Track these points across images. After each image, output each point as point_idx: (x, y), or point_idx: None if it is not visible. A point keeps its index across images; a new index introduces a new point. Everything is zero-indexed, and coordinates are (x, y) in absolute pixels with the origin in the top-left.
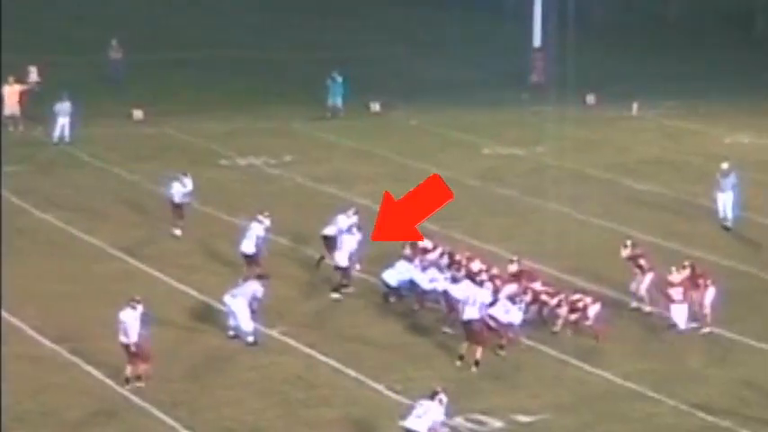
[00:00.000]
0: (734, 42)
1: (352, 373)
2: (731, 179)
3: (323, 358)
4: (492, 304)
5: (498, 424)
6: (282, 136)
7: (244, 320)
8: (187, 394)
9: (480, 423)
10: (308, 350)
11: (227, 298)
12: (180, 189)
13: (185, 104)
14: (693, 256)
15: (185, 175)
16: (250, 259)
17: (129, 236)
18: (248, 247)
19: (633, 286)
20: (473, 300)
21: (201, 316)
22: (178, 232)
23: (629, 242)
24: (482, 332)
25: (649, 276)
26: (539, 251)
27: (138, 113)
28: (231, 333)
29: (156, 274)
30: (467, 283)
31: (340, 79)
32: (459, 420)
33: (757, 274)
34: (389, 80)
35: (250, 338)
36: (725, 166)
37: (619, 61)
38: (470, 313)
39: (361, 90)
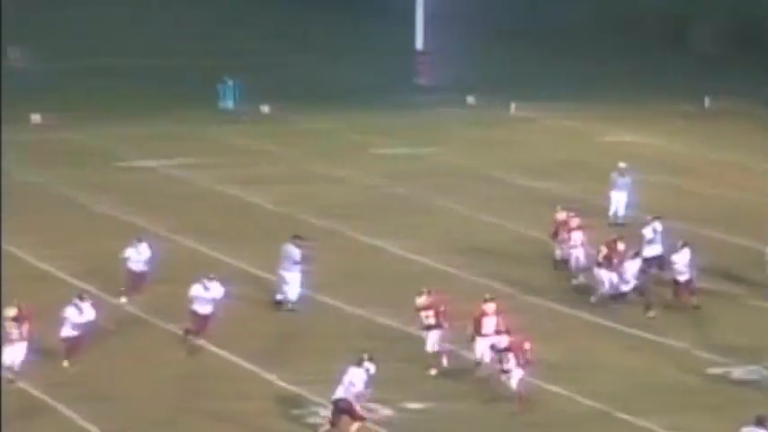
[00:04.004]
0: (618, 46)
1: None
2: (627, 179)
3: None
4: None
5: (388, 412)
6: (182, 140)
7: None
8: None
9: (370, 411)
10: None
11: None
12: (135, 256)
13: (83, 110)
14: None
15: (140, 241)
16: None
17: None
18: (204, 308)
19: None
20: None
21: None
22: (123, 300)
23: (559, 207)
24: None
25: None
26: (432, 248)
27: (35, 117)
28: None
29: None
30: None
31: (231, 82)
32: None
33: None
34: (281, 84)
35: None
36: (622, 165)
37: (499, 63)
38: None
39: (254, 94)
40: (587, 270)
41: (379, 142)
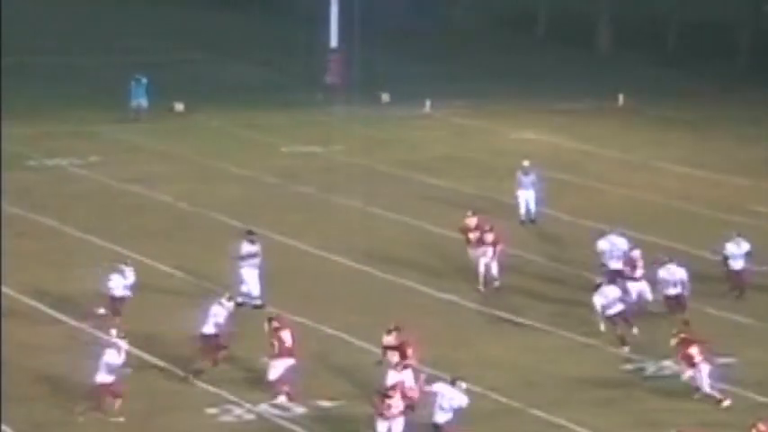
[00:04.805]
0: (515, 45)
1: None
2: (531, 177)
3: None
4: None
5: (300, 410)
6: (88, 138)
7: None
8: None
9: (284, 409)
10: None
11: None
12: (120, 281)
13: None
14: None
15: (126, 264)
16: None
17: None
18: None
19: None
20: None
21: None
22: (113, 332)
23: (470, 212)
24: None
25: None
26: (334, 245)
27: None
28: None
29: None
30: None
31: (144, 81)
32: (263, 407)
33: (545, 263)
34: (189, 83)
35: None
36: (526, 163)
37: (410, 62)
38: None
39: (162, 93)
40: (494, 280)
41: (283, 141)
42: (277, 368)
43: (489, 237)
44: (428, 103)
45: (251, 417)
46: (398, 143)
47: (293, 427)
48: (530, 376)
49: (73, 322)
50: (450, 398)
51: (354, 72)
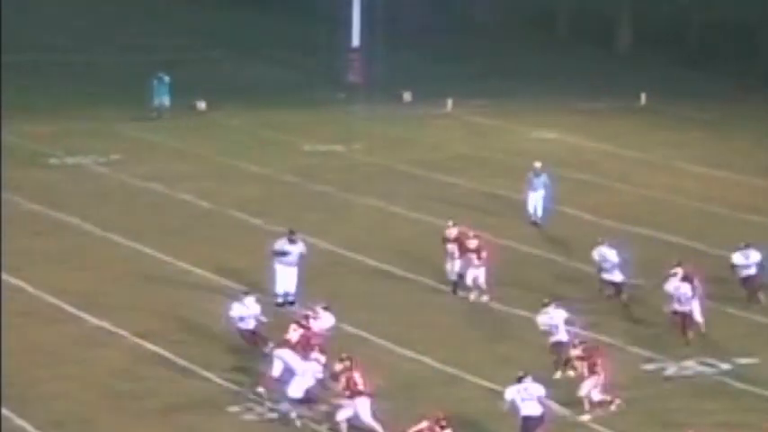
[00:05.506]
0: (537, 44)
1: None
2: (543, 178)
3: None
4: None
5: (324, 408)
6: (109, 136)
7: None
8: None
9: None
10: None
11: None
12: (243, 311)
13: (11, 107)
14: (506, 246)
15: (246, 294)
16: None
17: None
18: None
19: (449, 267)
20: None
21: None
22: (270, 346)
23: (451, 222)
24: None
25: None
26: (354, 245)
27: None
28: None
29: None
30: None
31: (167, 79)
32: (285, 405)
33: (564, 262)
34: (210, 82)
35: None
36: (537, 165)
37: (432, 61)
38: None
39: (183, 91)
40: (482, 294)
41: (303, 140)
42: (347, 409)
43: (473, 243)
44: (450, 102)
45: (273, 415)
46: (418, 142)
47: (315, 426)
48: (549, 375)
49: (93, 320)
50: (525, 389)
51: (376, 71)
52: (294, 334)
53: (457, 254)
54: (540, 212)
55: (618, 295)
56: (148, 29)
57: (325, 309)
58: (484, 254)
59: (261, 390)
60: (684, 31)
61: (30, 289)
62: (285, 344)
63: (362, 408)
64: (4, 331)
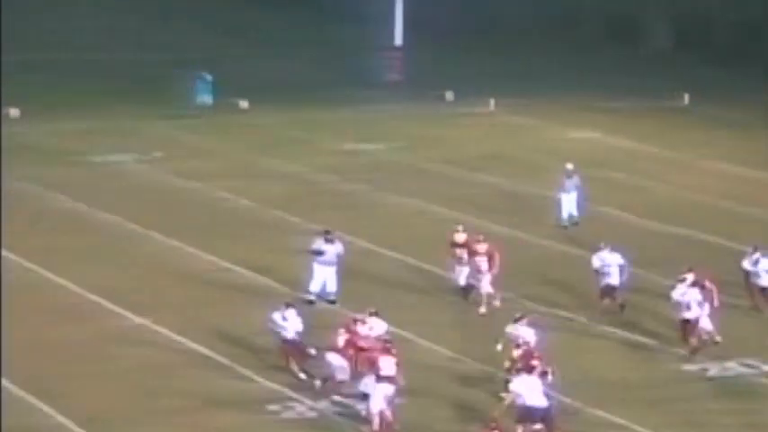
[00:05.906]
0: (576, 43)
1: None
2: (575, 179)
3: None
4: None
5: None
6: (151, 134)
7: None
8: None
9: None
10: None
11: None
12: (282, 323)
13: (42, 105)
14: (540, 244)
15: (288, 306)
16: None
17: None
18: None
19: (456, 272)
20: None
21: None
22: (318, 383)
23: (460, 227)
24: None
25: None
26: (386, 243)
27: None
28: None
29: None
30: None
31: (209, 78)
32: (325, 404)
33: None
34: (246, 80)
35: None
36: (570, 166)
37: (475, 61)
38: None
39: (223, 90)
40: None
41: (341, 138)
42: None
43: (482, 247)
44: (492, 101)
45: (313, 414)
46: (456, 141)
47: (354, 423)
48: (588, 375)
49: (134, 318)
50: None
51: (416, 70)
52: (340, 338)
53: (466, 258)
54: (575, 213)
55: (613, 300)
56: (179, 27)
57: (374, 314)
58: (496, 257)
59: (318, 383)
60: (715, 31)
61: (72, 286)
62: (332, 348)
63: (379, 393)
64: (44, 328)
